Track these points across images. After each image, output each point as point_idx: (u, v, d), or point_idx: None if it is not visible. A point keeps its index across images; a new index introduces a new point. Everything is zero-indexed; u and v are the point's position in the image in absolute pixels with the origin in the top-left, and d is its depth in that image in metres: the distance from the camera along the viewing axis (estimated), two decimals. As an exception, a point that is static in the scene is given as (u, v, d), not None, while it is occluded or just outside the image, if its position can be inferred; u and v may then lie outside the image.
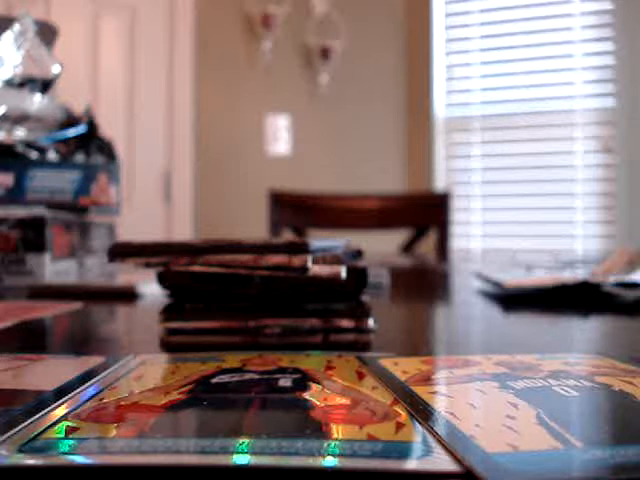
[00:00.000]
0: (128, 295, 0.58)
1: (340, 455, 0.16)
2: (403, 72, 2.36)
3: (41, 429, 0.19)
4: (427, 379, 0.25)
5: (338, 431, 0.18)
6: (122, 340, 0.40)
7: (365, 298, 0.38)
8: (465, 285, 0.72)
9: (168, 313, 0.38)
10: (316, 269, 0.35)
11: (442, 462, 0.16)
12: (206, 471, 0.16)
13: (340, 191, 1.79)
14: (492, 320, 0.46)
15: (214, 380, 0.25)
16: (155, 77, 2.46)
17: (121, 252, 0.36)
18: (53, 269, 0.69)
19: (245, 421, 0.20)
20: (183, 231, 2.42)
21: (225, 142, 2.44)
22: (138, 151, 2.43)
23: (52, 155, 0.78)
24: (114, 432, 0.19)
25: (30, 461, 0.16)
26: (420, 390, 0.23)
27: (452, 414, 0.20)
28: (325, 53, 2.36)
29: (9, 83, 0.77)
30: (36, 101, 0.78)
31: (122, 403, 0.22)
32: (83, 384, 0.25)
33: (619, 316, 0.48)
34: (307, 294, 0.37)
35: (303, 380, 0.25)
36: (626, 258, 0.65)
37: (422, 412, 0.20)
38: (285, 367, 0.27)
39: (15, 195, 0.73)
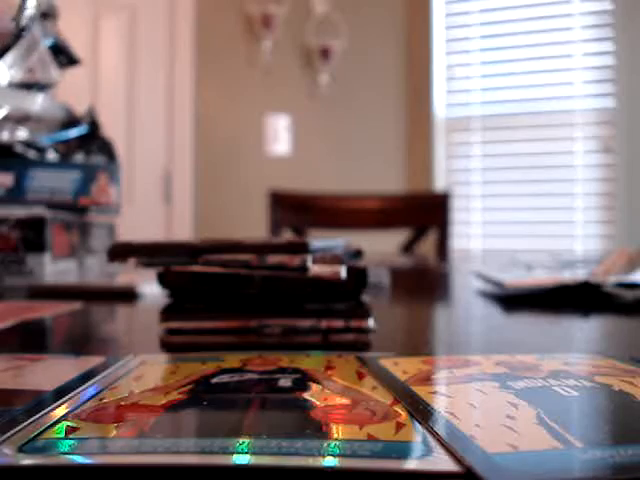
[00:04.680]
0: (128, 295, 0.58)
1: (340, 455, 0.16)
2: (403, 72, 2.36)
3: (41, 429, 0.19)
4: (427, 379, 0.25)
5: (338, 431, 0.18)
6: (122, 340, 0.40)
7: (365, 298, 0.38)
8: (465, 285, 0.72)
9: (168, 313, 0.38)
10: (316, 269, 0.35)
11: (442, 462, 0.16)
12: (206, 471, 0.16)
13: (340, 191, 1.79)
14: (492, 320, 0.46)
15: (214, 380, 0.25)
16: (155, 77, 2.46)
17: (121, 252, 0.36)
18: (53, 269, 0.69)
19: (245, 421, 0.20)
20: (183, 231, 2.42)
21: (225, 142, 2.44)
22: (138, 151, 2.43)
23: (52, 155, 0.78)
24: (114, 432, 0.18)
25: (30, 461, 0.16)
26: (420, 390, 0.23)
27: (452, 414, 0.20)
28: (325, 53, 2.36)
29: (11, 84, 0.77)
30: (37, 101, 0.78)
31: (122, 403, 0.22)
32: (83, 384, 0.24)
33: (619, 316, 0.48)
34: (307, 294, 0.37)
35: (303, 380, 0.25)
36: (626, 258, 0.65)
37: (422, 412, 0.20)
38: (285, 367, 0.27)
39: (15, 195, 0.73)
